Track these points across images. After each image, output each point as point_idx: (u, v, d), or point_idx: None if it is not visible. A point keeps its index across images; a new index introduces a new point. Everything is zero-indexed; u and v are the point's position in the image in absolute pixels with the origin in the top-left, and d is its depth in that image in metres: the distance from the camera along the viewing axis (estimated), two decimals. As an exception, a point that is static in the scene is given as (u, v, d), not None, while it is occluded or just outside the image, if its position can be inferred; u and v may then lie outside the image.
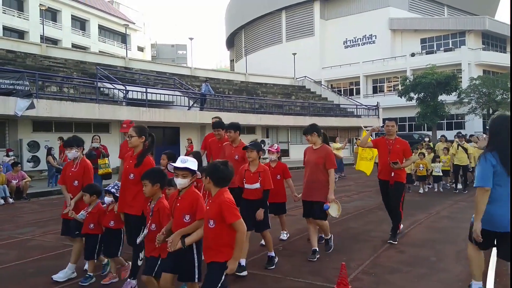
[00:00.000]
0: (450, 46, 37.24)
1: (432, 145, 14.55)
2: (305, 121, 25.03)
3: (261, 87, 30.09)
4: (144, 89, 17.16)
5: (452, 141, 13.04)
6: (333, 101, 31.09)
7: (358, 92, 40.85)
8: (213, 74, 29.23)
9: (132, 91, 16.76)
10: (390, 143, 6.09)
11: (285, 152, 25.72)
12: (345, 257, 5.02)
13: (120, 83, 17.53)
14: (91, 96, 16.32)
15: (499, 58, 36.88)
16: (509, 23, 40.37)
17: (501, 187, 3.29)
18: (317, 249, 5.18)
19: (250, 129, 23.53)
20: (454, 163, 11.42)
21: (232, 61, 60.64)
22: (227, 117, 20.65)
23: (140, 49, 59.70)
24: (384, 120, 30.81)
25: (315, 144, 5.21)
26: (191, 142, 16.99)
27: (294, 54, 35.37)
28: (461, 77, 32.21)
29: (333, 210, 5.09)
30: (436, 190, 11.67)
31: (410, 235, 6.39)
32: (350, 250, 5.52)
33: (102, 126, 17.25)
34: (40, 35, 30.11)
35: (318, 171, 5.10)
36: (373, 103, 30.85)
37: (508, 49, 40.49)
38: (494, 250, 5.16)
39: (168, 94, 18.24)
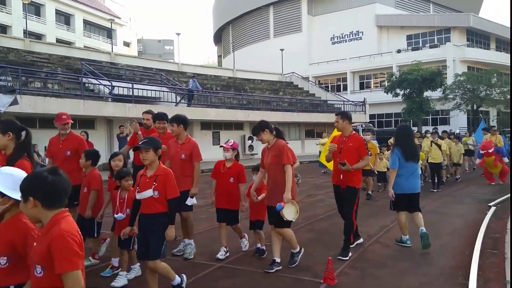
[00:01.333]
0: (436, 42, 37.69)
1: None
2: (293, 117, 25.12)
3: (249, 83, 30.03)
4: (130, 85, 16.93)
5: (424, 137, 12.38)
6: (320, 97, 31.21)
7: (345, 88, 41.12)
8: (200, 70, 29.06)
9: (118, 86, 16.57)
10: (343, 141, 5.23)
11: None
12: (332, 252, 5.04)
13: (106, 78, 17.27)
14: (76, 92, 16.07)
15: (483, 55, 37.58)
16: (492, 20, 41.13)
17: (403, 168, 5.35)
18: (278, 260, 4.55)
19: (238, 125, 23.50)
20: (429, 161, 10.68)
21: (219, 56, 60.33)
22: (215, 113, 20.75)
23: (126, 44, 58.89)
24: (371, 116, 30.88)
25: (269, 143, 4.60)
26: None
27: (282, 50, 35.36)
28: (446, 73, 32.65)
29: (289, 213, 4.30)
30: None
31: (395, 230, 6.41)
32: (337, 245, 5.53)
33: (87, 123, 16.98)
34: (23, 29, 29.47)
35: (277, 171, 4.43)
36: (360, 99, 31.05)
37: (492, 46, 41.23)
38: (478, 244, 5.31)
39: (155, 90, 18.01)
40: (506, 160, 11.37)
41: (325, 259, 4.24)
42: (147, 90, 17.40)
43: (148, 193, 3.50)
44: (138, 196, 3.59)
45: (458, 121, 33.47)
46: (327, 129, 28.81)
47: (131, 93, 17.02)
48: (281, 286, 4.15)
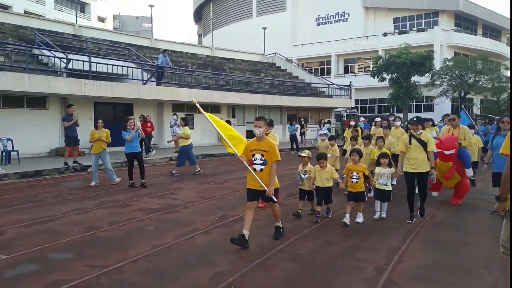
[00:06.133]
0: (423, 26, 36.41)
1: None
2: (275, 100, 23.46)
3: (228, 62, 28.08)
4: (87, 58, 14.75)
5: (385, 126, 9.09)
6: (304, 80, 29.59)
7: (329, 72, 39.68)
8: (176, 46, 26.80)
9: (74, 60, 14.39)
10: None
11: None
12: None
13: (60, 50, 14.97)
14: (25, 65, 13.87)
15: (470, 40, 36.55)
16: (481, 4, 40.01)
17: None
18: None
19: (215, 108, 21.67)
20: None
21: (200, 35, 57.71)
22: (188, 94, 18.77)
23: (101, 19, 55.59)
24: (355, 101, 29.14)
25: None
26: (144, 120, 14.95)
27: (265, 28, 33.48)
28: (434, 58, 31.51)
29: None
30: (377, 216, 6.39)
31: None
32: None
33: (36, 101, 14.72)
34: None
35: None
36: (344, 83, 29.60)
37: (479, 31, 40.28)
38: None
39: (118, 65, 15.75)
40: (468, 172, 7.40)
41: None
42: (107, 65, 15.18)
43: None
44: None
45: (443, 108, 32.46)
46: (310, 114, 27.48)
47: (93, 69, 14.83)
48: None
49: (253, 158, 5.03)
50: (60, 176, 11.06)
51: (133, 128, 9.21)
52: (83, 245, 5.07)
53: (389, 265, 4.44)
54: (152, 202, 7.66)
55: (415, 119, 6.37)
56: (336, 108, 29.04)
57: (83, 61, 14.86)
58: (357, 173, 6.08)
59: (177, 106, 19.70)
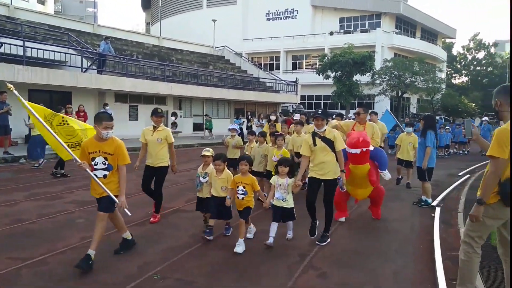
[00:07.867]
0: (367, 27, 38.10)
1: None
2: (222, 93, 23.50)
3: (176, 53, 27.63)
4: (21, 42, 13.88)
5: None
6: (252, 74, 29.87)
7: (278, 68, 40.40)
8: (121, 34, 25.89)
9: (5, 43, 13.48)
10: None
11: (200, 127, 24.00)
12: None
13: (-10, 33, 14.02)
14: None
15: (409, 43, 38.86)
16: (421, 10, 42.55)
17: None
18: None
19: (160, 99, 21.29)
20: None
21: (148, 24, 55.97)
22: (132, 84, 18.33)
23: (41, 2, 51.97)
24: (301, 97, 29.89)
25: None
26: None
27: (214, 20, 33.29)
28: (374, 59, 33.11)
29: None
30: (270, 241, 4.86)
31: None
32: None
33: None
34: None
35: None
36: (292, 79, 30.35)
37: (418, 34, 42.86)
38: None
39: (55, 51, 15.00)
40: (385, 175, 6.17)
41: None
42: (44, 50, 14.40)
43: None
44: None
45: (382, 106, 34.28)
46: (258, 108, 27.85)
47: (28, 54, 13.96)
48: None
49: (92, 163, 4.05)
50: (-12, 167, 10.39)
51: None
52: (8, 238, 4.90)
53: (312, 252, 4.74)
54: (85, 194, 7.46)
55: (319, 111, 4.93)
56: (283, 103, 29.67)
57: (17, 45, 13.91)
58: (244, 187, 4.76)
59: (120, 96, 19.14)
